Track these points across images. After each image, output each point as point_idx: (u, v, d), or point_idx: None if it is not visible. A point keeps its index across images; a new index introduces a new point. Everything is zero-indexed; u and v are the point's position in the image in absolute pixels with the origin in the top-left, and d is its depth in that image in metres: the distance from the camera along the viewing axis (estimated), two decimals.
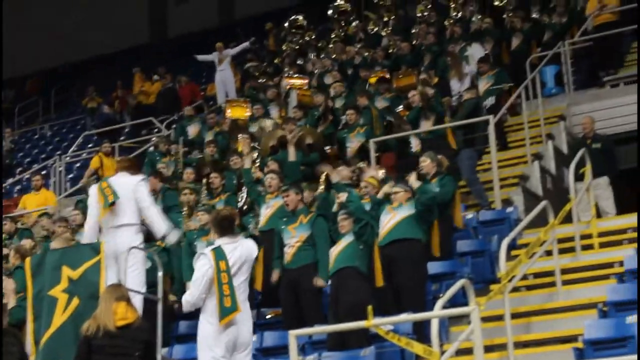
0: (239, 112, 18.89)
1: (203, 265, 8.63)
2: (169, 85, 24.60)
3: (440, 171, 12.25)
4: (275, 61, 24.10)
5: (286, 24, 25.43)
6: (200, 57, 23.84)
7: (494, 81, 16.69)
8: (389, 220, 11.05)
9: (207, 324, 8.56)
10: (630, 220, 12.36)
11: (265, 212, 12.60)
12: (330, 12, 24.99)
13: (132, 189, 10.48)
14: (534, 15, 20.29)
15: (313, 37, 24.90)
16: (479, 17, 20.54)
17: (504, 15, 20.70)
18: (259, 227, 12.56)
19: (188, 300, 8.66)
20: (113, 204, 10.38)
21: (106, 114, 26.08)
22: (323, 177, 12.76)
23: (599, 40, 17.84)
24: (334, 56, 21.92)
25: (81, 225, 13.69)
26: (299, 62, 22.56)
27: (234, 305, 8.52)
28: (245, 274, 8.79)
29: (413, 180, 11.42)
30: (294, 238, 11.38)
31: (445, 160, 12.60)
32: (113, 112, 25.36)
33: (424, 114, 14.60)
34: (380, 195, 11.57)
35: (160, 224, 10.53)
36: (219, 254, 8.66)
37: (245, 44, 24.30)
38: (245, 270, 8.80)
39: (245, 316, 8.67)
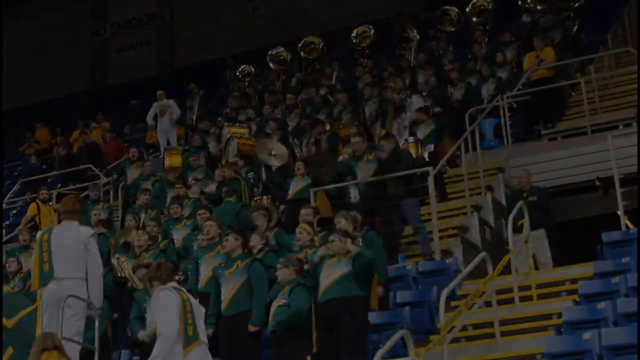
0: (177, 160, 18.88)
1: (166, 297, 8.62)
2: (90, 141, 24.18)
3: (357, 227, 11.80)
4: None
5: (238, 72, 25.48)
6: (149, 117, 23.38)
7: (434, 127, 16.85)
8: (328, 276, 10.66)
9: None
10: (568, 272, 12.48)
11: (205, 273, 12.04)
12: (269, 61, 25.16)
13: (82, 242, 10.00)
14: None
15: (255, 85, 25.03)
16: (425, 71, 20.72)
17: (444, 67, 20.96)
18: (200, 288, 11.94)
19: (166, 334, 8.52)
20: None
21: (32, 163, 25.80)
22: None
23: (537, 94, 18.07)
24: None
25: (16, 273, 13.48)
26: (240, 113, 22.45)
27: (196, 335, 8.57)
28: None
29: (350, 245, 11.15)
30: (229, 284, 11.21)
31: (358, 215, 12.22)
32: (40, 162, 25.06)
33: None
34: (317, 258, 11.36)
35: (94, 295, 10.07)
36: (177, 289, 8.81)
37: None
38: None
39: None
